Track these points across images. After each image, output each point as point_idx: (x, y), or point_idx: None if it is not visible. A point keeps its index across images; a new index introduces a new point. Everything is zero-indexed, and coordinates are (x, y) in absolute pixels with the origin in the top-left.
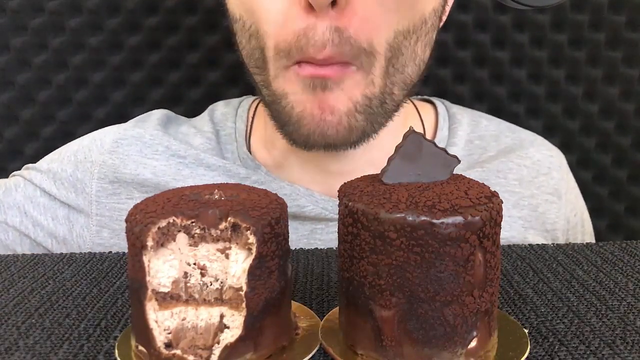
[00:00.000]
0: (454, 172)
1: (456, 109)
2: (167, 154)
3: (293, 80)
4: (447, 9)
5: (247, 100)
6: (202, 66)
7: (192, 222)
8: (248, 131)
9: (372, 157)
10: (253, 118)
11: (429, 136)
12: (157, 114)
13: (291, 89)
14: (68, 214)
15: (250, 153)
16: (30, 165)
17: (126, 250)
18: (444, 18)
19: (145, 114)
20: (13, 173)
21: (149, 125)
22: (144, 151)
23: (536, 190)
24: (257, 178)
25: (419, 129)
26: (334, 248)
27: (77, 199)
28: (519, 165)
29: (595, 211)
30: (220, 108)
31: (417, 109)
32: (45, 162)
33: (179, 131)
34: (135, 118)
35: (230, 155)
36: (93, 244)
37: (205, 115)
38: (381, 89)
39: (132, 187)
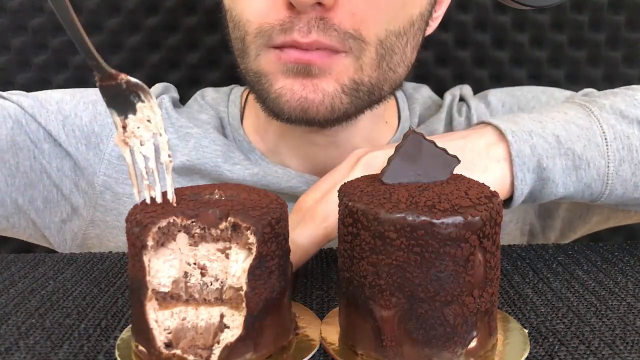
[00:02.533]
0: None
1: (411, 89)
2: (177, 125)
3: (273, 62)
4: (436, 16)
5: (238, 88)
6: (202, 66)
7: (192, 222)
8: (241, 116)
9: (357, 144)
10: (244, 105)
11: (395, 118)
12: (171, 92)
13: (271, 69)
14: (74, 166)
15: None
16: (25, 93)
17: (124, 215)
18: (434, 25)
19: (160, 89)
20: (4, 95)
21: (166, 99)
22: None
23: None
24: (253, 158)
25: (393, 114)
26: (334, 248)
27: (87, 153)
28: (459, 116)
29: None
30: (210, 93)
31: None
32: (52, 99)
33: (184, 110)
34: (153, 90)
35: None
36: (96, 203)
37: (197, 99)
38: (371, 79)
39: None
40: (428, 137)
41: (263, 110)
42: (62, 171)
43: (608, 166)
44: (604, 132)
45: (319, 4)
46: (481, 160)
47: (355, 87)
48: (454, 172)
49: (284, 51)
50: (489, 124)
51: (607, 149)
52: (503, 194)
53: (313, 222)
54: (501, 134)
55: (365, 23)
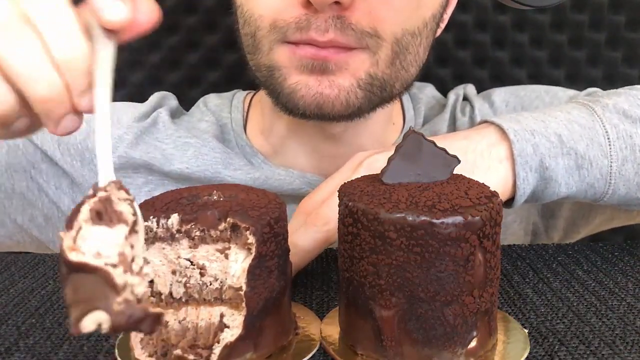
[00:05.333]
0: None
1: (415, 89)
2: (175, 136)
3: (287, 56)
4: (446, 17)
5: (240, 92)
6: (202, 66)
7: (192, 225)
8: (244, 121)
9: (362, 143)
10: (248, 109)
11: (400, 119)
12: (169, 103)
13: (285, 63)
14: (71, 183)
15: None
16: None
17: None
18: (443, 25)
19: (156, 99)
20: None
21: (163, 112)
22: (156, 135)
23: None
24: (256, 163)
25: (398, 114)
26: (334, 248)
27: (82, 169)
28: (462, 117)
29: None
30: (213, 100)
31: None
32: None
33: (183, 120)
34: (149, 102)
35: (226, 144)
36: None
37: (199, 105)
38: (384, 75)
39: (140, 163)
40: (430, 137)
41: (275, 105)
42: (61, 189)
43: (611, 166)
44: (606, 132)
45: (337, 2)
46: (483, 161)
47: (370, 82)
48: (455, 173)
49: (300, 47)
50: (491, 123)
51: (610, 148)
52: (506, 194)
53: (315, 225)
54: (503, 133)
55: (382, 22)
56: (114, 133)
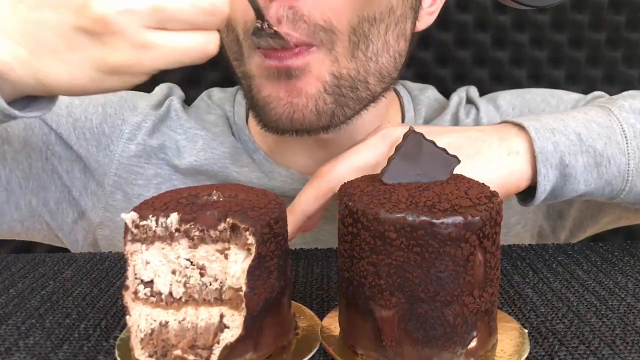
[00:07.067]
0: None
1: (417, 90)
2: (186, 126)
3: (258, 65)
4: (431, 10)
5: None
6: (202, 66)
7: (191, 225)
8: (246, 116)
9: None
10: None
11: (399, 119)
12: (177, 92)
13: (257, 72)
14: (84, 168)
15: None
16: None
17: None
18: (429, 19)
19: (166, 88)
20: None
21: (175, 100)
22: (169, 123)
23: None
24: (258, 158)
25: (396, 115)
26: (334, 248)
27: (97, 154)
28: (468, 118)
29: None
30: (216, 93)
31: (398, 94)
32: (61, 103)
33: (192, 110)
34: (160, 91)
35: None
36: (106, 204)
37: (204, 98)
38: (349, 72)
39: (153, 153)
40: (449, 127)
41: (253, 118)
42: (72, 173)
43: (628, 163)
44: (624, 131)
45: None
46: (489, 150)
47: (337, 83)
48: (456, 173)
49: (267, 57)
50: (511, 122)
51: (628, 146)
52: (511, 187)
53: (318, 179)
54: (521, 130)
55: (336, 11)
56: (132, 120)
